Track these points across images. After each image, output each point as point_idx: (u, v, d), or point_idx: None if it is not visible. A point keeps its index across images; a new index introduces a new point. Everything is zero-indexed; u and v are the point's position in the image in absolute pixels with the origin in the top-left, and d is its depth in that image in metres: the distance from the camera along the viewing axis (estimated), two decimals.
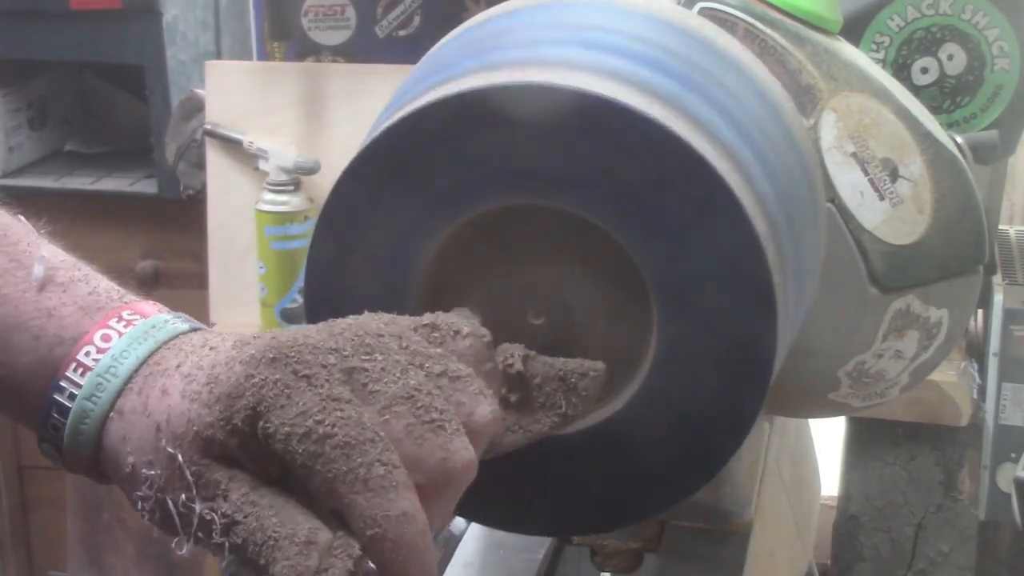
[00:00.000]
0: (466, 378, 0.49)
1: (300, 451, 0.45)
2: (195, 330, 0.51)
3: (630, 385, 0.58)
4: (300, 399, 0.45)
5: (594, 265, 0.58)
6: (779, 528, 0.88)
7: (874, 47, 0.85)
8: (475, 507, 0.60)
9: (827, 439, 1.58)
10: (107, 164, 2.23)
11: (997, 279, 1.59)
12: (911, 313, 0.74)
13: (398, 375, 0.47)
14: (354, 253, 0.58)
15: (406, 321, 0.52)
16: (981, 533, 1.67)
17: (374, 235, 0.58)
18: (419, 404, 0.47)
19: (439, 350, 0.50)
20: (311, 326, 0.50)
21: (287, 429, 0.45)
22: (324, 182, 1.79)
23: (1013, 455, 1.58)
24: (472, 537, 0.78)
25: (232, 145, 1.89)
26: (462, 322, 0.53)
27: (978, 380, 1.62)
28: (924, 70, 0.85)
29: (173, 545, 0.48)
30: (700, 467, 0.58)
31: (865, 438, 1.66)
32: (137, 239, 2.16)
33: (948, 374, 1.57)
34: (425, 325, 0.52)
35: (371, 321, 0.50)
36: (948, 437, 1.63)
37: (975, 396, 1.60)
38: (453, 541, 0.79)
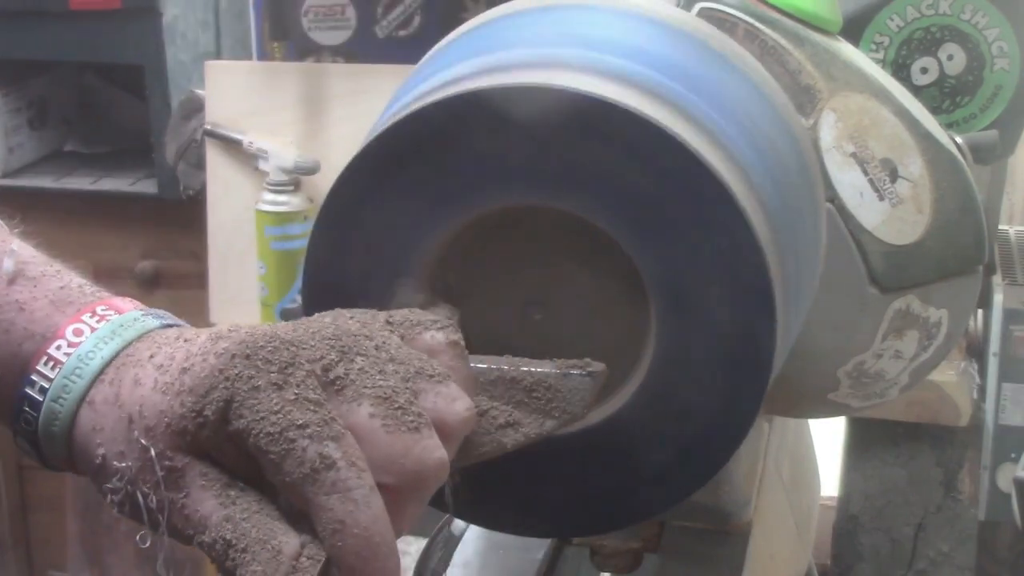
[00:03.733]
0: (438, 377, 0.49)
1: (270, 449, 0.45)
2: (168, 326, 0.51)
3: (630, 385, 0.58)
4: (273, 396, 0.45)
5: (594, 265, 0.58)
6: (779, 528, 0.88)
7: (874, 47, 0.85)
8: (475, 508, 0.61)
9: (827, 439, 1.58)
10: (107, 164, 2.23)
11: (997, 279, 1.59)
12: (911, 313, 0.74)
13: (375, 376, 0.47)
14: (353, 253, 0.58)
15: (380, 319, 0.52)
16: (981, 533, 1.67)
17: (373, 235, 0.58)
18: (394, 405, 0.47)
19: (413, 351, 0.50)
20: (288, 323, 0.49)
21: (258, 426, 0.45)
22: (324, 182, 1.79)
23: (1013, 455, 1.58)
24: (472, 537, 0.78)
25: (232, 145, 1.90)
26: (433, 320, 0.53)
27: (978, 380, 1.62)
28: (924, 70, 0.85)
29: (137, 538, 0.48)
30: (699, 467, 0.58)
31: (865, 438, 1.66)
32: (137, 239, 2.16)
33: (948, 374, 1.57)
34: (398, 323, 0.52)
35: (347, 320, 0.50)
36: (948, 437, 1.63)
37: (975, 396, 1.60)
38: (453, 541, 0.79)
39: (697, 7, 0.72)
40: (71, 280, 0.52)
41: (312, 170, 1.82)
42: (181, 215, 2.08)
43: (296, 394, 0.45)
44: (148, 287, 2.10)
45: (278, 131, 1.87)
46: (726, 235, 0.54)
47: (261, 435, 0.45)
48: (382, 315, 0.52)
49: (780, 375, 0.59)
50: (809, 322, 0.70)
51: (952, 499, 1.65)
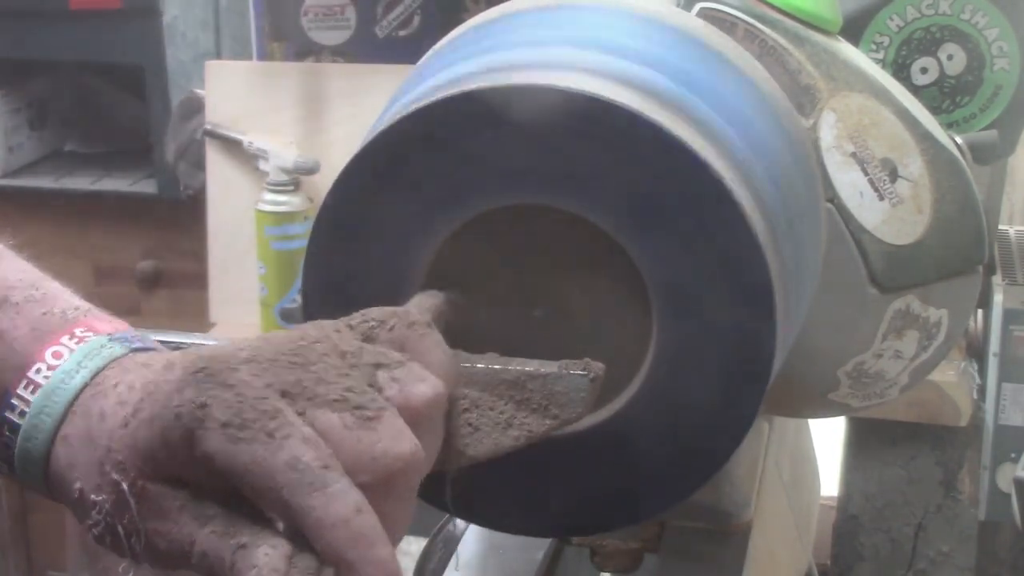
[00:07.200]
0: (395, 364, 0.49)
1: (241, 466, 0.44)
2: (138, 350, 0.51)
3: (630, 385, 0.58)
4: (233, 416, 0.45)
5: (594, 265, 0.58)
6: (779, 528, 0.88)
7: (874, 47, 0.85)
8: (475, 508, 0.61)
9: (827, 439, 1.58)
10: (107, 164, 2.23)
11: (997, 279, 1.59)
12: (911, 313, 0.74)
13: (332, 380, 0.47)
14: (353, 253, 0.58)
15: (340, 324, 0.51)
16: (981, 533, 1.67)
17: (373, 235, 0.58)
18: (353, 404, 0.46)
19: (371, 347, 0.50)
20: (246, 339, 0.49)
21: (222, 446, 0.44)
22: (324, 182, 1.79)
23: (1013, 455, 1.58)
24: (472, 537, 0.78)
25: (232, 145, 1.89)
26: (391, 312, 0.52)
27: (978, 380, 1.62)
28: (924, 70, 0.85)
29: (120, 570, 0.48)
30: (699, 467, 0.58)
31: (865, 438, 1.66)
32: (137, 239, 2.15)
33: (948, 374, 1.57)
34: (357, 324, 0.52)
35: (307, 330, 0.50)
36: (948, 437, 1.63)
37: (975, 396, 1.60)
38: (453, 541, 0.79)
39: (697, 7, 0.72)
40: (54, 305, 0.52)
41: (312, 170, 1.82)
42: (181, 215, 2.08)
43: (255, 408, 0.45)
44: (148, 287, 2.10)
45: (278, 131, 1.87)
46: (726, 235, 0.54)
47: (228, 454, 0.44)
48: (342, 320, 0.52)
49: (780, 375, 0.59)
50: (809, 322, 0.70)
51: (952, 499, 1.65)
